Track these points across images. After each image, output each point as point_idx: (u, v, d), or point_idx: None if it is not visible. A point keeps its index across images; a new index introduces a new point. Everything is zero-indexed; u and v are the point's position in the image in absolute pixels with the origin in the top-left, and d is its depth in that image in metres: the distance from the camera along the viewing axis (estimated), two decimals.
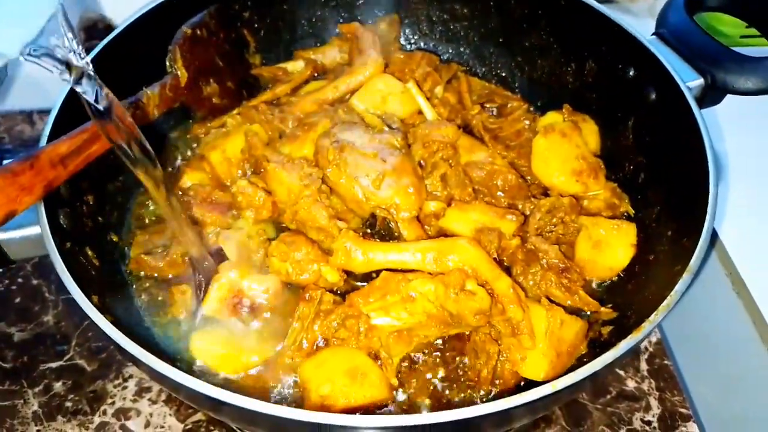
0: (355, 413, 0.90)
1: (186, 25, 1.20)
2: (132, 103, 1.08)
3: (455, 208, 1.10)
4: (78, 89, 0.76)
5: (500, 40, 1.40)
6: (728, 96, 1.13)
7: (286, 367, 0.97)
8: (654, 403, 1.18)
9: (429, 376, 0.98)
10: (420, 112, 1.26)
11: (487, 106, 1.34)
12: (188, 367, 0.98)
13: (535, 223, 1.08)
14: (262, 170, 1.11)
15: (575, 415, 1.16)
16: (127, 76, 1.09)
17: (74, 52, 0.72)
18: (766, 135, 1.41)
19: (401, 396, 0.97)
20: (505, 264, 1.06)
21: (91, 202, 1.07)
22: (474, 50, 1.44)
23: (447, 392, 0.98)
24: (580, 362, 0.96)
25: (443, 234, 1.08)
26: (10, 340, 1.22)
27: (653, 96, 1.13)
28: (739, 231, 1.26)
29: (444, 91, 1.32)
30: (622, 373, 1.21)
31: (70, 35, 0.71)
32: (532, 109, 1.33)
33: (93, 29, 1.71)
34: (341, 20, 1.44)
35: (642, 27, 1.17)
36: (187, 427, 1.12)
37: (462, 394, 0.97)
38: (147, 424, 1.12)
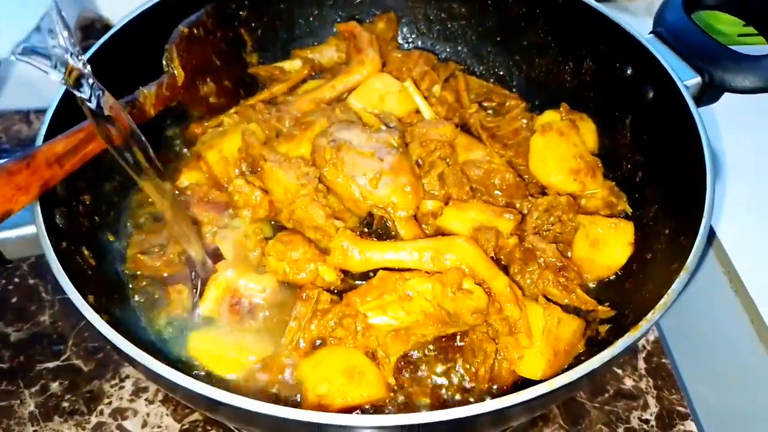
0: (353, 412, 0.90)
1: (183, 24, 1.20)
2: (129, 102, 1.07)
3: (453, 206, 1.09)
4: (78, 94, 0.74)
5: (498, 38, 1.40)
6: (726, 94, 1.13)
7: (283, 366, 0.97)
8: (652, 401, 1.18)
9: (426, 375, 0.98)
10: (417, 111, 1.26)
11: (485, 104, 1.34)
12: (185, 367, 0.98)
13: (533, 221, 1.08)
14: (259, 169, 1.11)
15: (573, 413, 1.16)
16: (124, 75, 1.08)
17: (72, 54, 0.70)
18: (764, 133, 1.41)
19: (399, 395, 0.97)
20: (503, 263, 1.06)
21: (87, 202, 1.07)
22: (472, 49, 1.44)
23: (444, 391, 0.98)
24: (577, 361, 0.96)
25: (441, 233, 1.08)
26: (7, 340, 1.22)
27: (651, 94, 1.13)
28: (736, 229, 1.26)
29: (441, 89, 1.31)
30: (620, 371, 1.21)
31: (65, 34, 0.69)
32: (529, 107, 1.33)
33: (90, 28, 1.71)
34: (339, 19, 1.44)
35: (640, 25, 1.17)
36: (184, 427, 1.12)
37: (459, 393, 0.97)
38: (144, 424, 1.12)
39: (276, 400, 0.95)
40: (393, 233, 1.07)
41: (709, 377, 1.32)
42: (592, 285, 1.10)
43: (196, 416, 1.13)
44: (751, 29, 1.26)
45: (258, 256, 1.06)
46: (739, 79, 1.09)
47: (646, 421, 1.15)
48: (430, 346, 1.00)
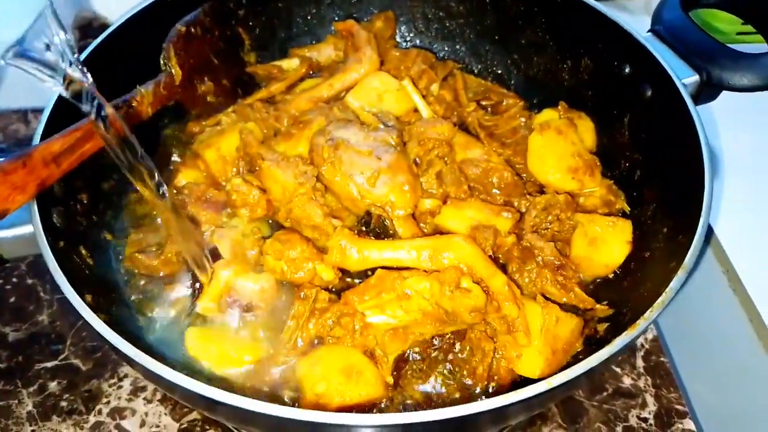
0: (351, 412, 0.90)
1: (180, 23, 1.19)
2: (126, 102, 1.07)
3: (451, 205, 1.09)
4: (77, 104, 0.72)
5: (496, 37, 1.40)
6: (724, 93, 1.13)
7: (282, 365, 0.97)
8: (650, 400, 1.18)
9: (425, 373, 0.98)
10: (415, 110, 1.26)
11: (483, 103, 1.34)
12: (183, 367, 0.97)
13: (531, 220, 1.08)
14: (257, 168, 1.11)
15: (571, 412, 1.16)
16: (122, 74, 1.08)
17: (71, 64, 0.66)
18: (762, 132, 1.42)
19: (397, 394, 0.97)
20: (501, 261, 1.05)
21: (84, 201, 1.07)
22: (470, 47, 1.44)
23: (443, 390, 0.98)
24: (575, 359, 0.96)
25: (439, 232, 1.08)
26: (5, 340, 1.22)
27: (649, 93, 1.13)
28: (735, 228, 1.26)
29: (440, 88, 1.31)
30: (618, 370, 1.21)
31: (61, 36, 0.65)
32: (528, 106, 1.33)
33: (88, 28, 1.71)
34: (337, 18, 1.44)
35: (638, 24, 1.17)
36: (183, 426, 1.12)
37: (458, 392, 0.97)
38: (142, 424, 1.12)
39: (274, 399, 0.95)
40: (391, 232, 1.07)
41: (707, 376, 1.32)
42: (590, 284, 1.10)
43: (194, 415, 1.13)
44: (749, 27, 1.25)
45: (256, 255, 1.05)
46: (737, 78, 1.09)
47: (645, 420, 1.15)
48: (429, 345, 1.00)
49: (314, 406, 0.90)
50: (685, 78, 1.09)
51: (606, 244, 1.08)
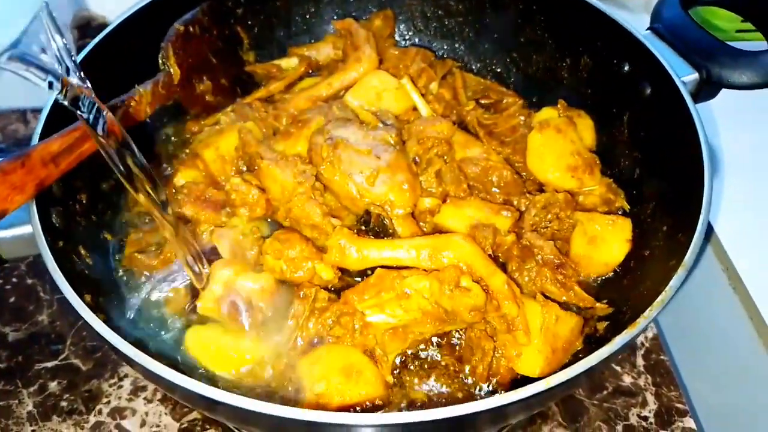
0: (351, 411, 0.90)
1: (179, 22, 1.19)
2: (124, 101, 1.07)
3: (450, 204, 1.09)
4: (74, 110, 0.71)
5: (495, 35, 1.40)
6: (723, 91, 1.13)
7: (281, 365, 0.97)
8: (650, 398, 1.18)
9: (424, 373, 0.98)
10: (415, 109, 1.26)
11: (482, 102, 1.34)
12: (183, 367, 0.97)
13: (531, 219, 1.08)
14: (256, 168, 1.11)
15: (572, 410, 1.16)
16: (120, 73, 1.08)
17: (69, 70, 0.65)
18: (762, 129, 1.41)
19: (397, 393, 0.97)
20: (501, 260, 1.05)
21: (83, 201, 1.07)
22: (469, 46, 1.44)
23: (443, 389, 0.97)
24: (575, 358, 0.96)
25: (438, 230, 1.08)
26: (5, 340, 1.22)
27: (648, 91, 1.13)
28: (734, 226, 1.26)
29: (439, 87, 1.31)
30: (618, 368, 1.21)
31: (58, 39, 0.63)
32: (527, 104, 1.33)
33: (86, 27, 1.71)
34: (335, 17, 1.43)
35: (637, 22, 1.16)
36: (183, 426, 1.12)
37: (458, 391, 0.97)
38: (143, 424, 1.12)
39: (274, 398, 0.95)
40: (390, 231, 1.07)
41: (707, 374, 1.32)
42: (590, 282, 1.10)
43: (194, 415, 1.13)
44: (748, 25, 1.25)
45: (255, 255, 1.05)
46: (737, 76, 1.09)
47: (645, 418, 1.15)
48: (428, 344, 1.00)
49: (314, 405, 0.90)
50: (685, 76, 1.08)
51: (606, 242, 1.08)
